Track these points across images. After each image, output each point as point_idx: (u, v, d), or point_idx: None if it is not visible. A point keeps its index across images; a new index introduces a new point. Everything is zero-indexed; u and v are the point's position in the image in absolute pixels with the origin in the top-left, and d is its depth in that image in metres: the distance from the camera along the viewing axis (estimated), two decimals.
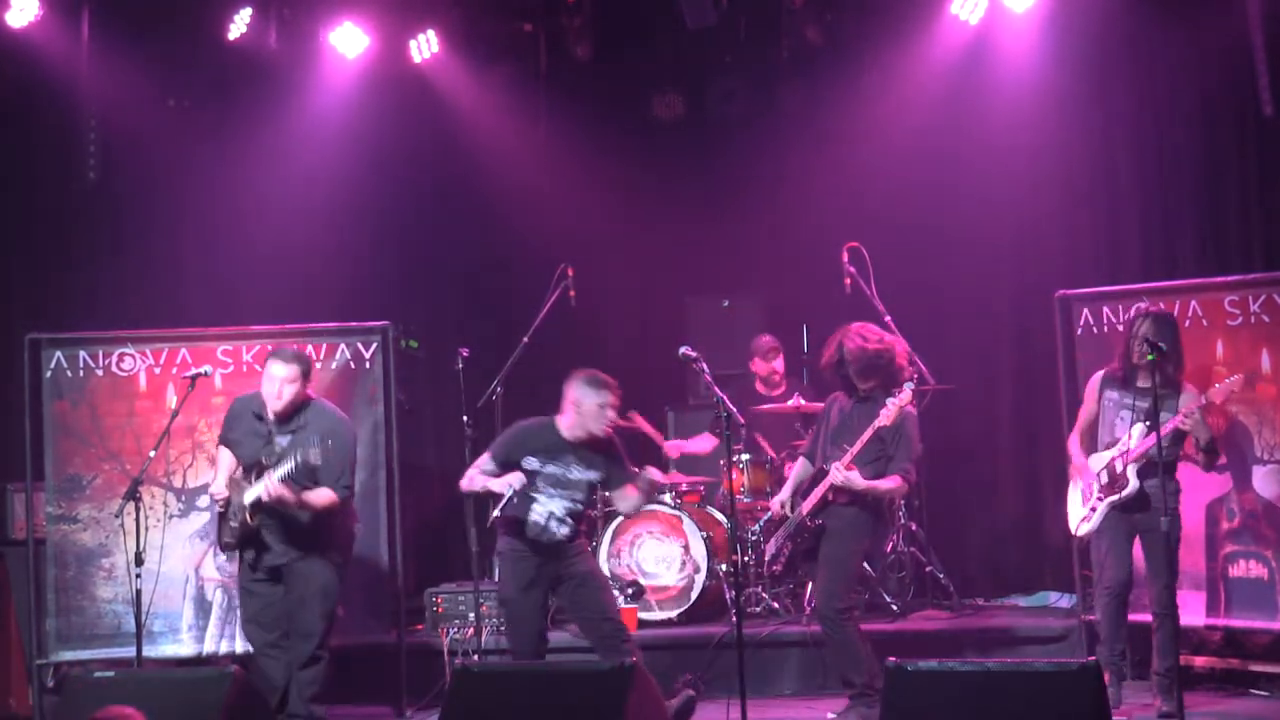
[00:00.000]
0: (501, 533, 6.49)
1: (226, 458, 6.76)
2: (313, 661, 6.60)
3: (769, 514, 6.87)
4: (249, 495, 6.42)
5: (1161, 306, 6.85)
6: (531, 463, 6.35)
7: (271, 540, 6.57)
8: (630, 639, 6.51)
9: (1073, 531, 6.78)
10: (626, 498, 6.55)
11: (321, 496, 6.51)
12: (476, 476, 6.42)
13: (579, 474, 6.40)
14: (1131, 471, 6.45)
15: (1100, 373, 6.76)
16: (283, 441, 6.53)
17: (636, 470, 6.48)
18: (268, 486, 6.29)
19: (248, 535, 6.54)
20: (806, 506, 6.57)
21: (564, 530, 6.43)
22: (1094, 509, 6.58)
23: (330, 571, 6.64)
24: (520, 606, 6.45)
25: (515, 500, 6.26)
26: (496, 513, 6.26)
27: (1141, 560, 6.64)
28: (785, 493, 6.81)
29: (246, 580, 6.74)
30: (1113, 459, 6.52)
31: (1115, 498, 6.51)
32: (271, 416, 6.60)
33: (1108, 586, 6.60)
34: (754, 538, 7.92)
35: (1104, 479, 6.55)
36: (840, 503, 6.52)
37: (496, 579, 6.66)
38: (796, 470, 6.87)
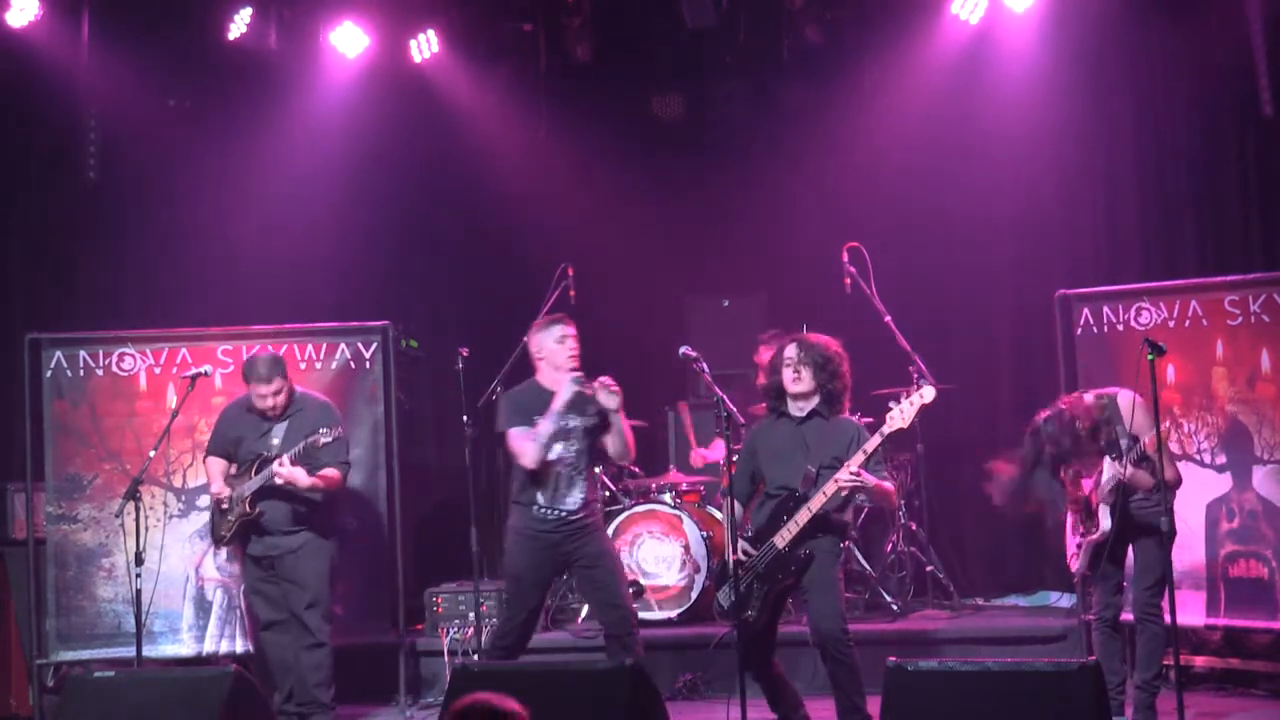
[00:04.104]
0: (515, 511, 6.42)
1: (218, 466, 6.85)
2: (314, 648, 6.66)
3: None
4: (250, 486, 6.59)
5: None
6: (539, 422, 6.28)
7: (265, 530, 6.67)
8: (635, 629, 6.37)
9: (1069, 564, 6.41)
10: (610, 435, 6.40)
11: (326, 476, 6.68)
12: (535, 432, 6.27)
13: (575, 421, 6.33)
14: (1104, 514, 6.10)
15: None
16: (280, 430, 6.71)
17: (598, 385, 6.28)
18: (277, 470, 6.47)
19: (245, 527, 6.67)
20: (783, 538, 5.99)
21: (572, 499, 6.32)
22: (1079, 545, 6.24)
23: (322, 558, 6.72)
24: (522, 586, 6.37)
25: (569, 420, 6.26)
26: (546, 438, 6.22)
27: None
28: (741, 542, 6.07)
29: (253, 581, 6.82)
30: (1090, 492, 6.17)
31: (1091, 539, 6.15)
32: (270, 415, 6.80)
33: (1096, 614, 6.33)
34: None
35: (1084, 514, 6.20)
36: (818, 531, 6.00)
37: (505, 555, 6.53)
38: (732, 516, 6.11)
